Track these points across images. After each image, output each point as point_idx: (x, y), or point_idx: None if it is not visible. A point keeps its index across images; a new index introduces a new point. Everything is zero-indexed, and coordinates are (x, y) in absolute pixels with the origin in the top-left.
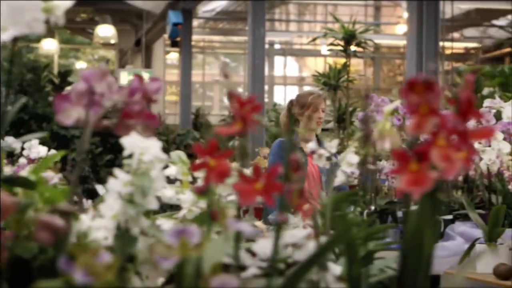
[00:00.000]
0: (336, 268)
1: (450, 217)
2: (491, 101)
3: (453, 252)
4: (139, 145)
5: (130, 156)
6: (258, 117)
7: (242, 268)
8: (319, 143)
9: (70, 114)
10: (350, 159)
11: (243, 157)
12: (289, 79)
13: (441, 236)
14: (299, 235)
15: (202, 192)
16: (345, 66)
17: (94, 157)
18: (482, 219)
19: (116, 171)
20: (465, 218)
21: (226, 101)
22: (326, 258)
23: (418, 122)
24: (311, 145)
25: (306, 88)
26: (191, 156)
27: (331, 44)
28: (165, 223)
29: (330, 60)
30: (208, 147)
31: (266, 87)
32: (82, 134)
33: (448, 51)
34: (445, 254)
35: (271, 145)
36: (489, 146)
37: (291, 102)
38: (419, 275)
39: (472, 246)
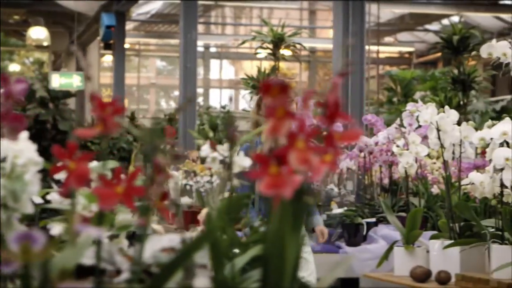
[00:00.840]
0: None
1: (373, 220)
2: (413, 104)
3: (375, 255)
4: (13, 148)
5: (4, 159)
6: (119, 120)
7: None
8: None
9: None
10: (242, 162)
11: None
12: (224, 82)
13: (364, 239)
14: (176, 239)
15: (66, 195)
16: (274, 69)
17: None
18: (403, 222)
19: None
20: (389, 221)
21: (162, 104)
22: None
23: (274, 125)
24: (205, 149)
25: (242, 92)
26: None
27: (260, 47)
28: (55, 228)
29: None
30: (67, 150)
31: (201, 90)
32: None
33: (382, 55)
34: (367, 257)
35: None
36: (407, 149)
37: (260, 98)
38: (283, 280)
39: (390, 249)
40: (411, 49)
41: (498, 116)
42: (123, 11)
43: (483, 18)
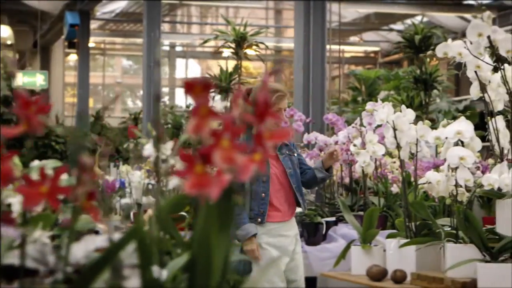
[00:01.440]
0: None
1: (333, 219)
2: (372, 103)
3: (334, 254)
4: None
5: None
6: (43, 118)
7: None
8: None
9: None
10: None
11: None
12: None
13: (324, 238)
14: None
15: None
16: (237, 68)
17: None
18: (362, 220)
19: None
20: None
21: (128, 102)
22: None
23: (197, 123)
24: (148, 148)
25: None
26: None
27: (223, 46)
28: None
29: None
30: None
31: (166, 89)
32: None
33: (347, 55)
34: (326, 256)
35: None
36: (364, 148)
37: (248, 92)
38: (210, 282)
39: (347, 248)
40: (376, 48)
41: (461, 115)
42: (87, 9)
43: (447, 18)
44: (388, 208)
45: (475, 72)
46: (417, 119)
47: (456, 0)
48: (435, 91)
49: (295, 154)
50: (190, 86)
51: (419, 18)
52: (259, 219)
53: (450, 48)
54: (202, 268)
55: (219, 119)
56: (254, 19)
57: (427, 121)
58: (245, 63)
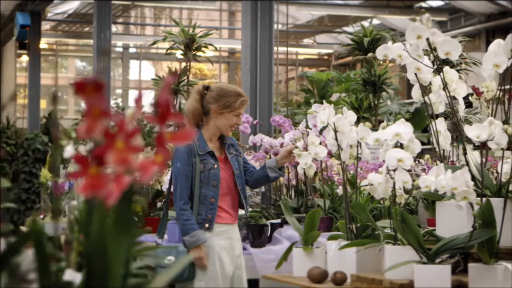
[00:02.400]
0: None
1: (278, 221)
2: (317, 105)
3: (279, 256)
4: None
5: None
6: None
7: None
8: (223, 144)
9: None
10: None
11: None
12: (144, 83)
13: (269, 240)
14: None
15: None
16: (185, 70)
17: None
18: None
19: None
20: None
21: (81, 104)
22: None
23: (89, 125)
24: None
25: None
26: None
27: (171, 48)
28: None
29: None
30: None
31: (120, 91)
32: None
33: (301, 57)
34: (271, 258)
35: None
36: (306, 150)
37: (206, 88)
38: (108, 282)
39: (289, 250)
40: (330, 50)
41: (411, 117)
42: (38, 10)
43: (399, 21)
44: (334, 210)
45: (415, 74)
46: (367, 121)
47: (407, 3)
48: (385, 93)
49: (242, 155)
50: (81, 87)
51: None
52: (207, 225)
53: (390, 51)
54: (98, 269)
55: (112, 120)
56: (209, 21)
57: (367, 123)
58: (199, 65)
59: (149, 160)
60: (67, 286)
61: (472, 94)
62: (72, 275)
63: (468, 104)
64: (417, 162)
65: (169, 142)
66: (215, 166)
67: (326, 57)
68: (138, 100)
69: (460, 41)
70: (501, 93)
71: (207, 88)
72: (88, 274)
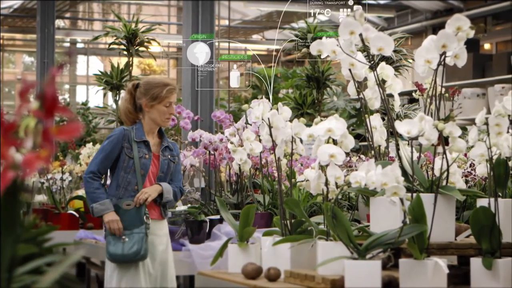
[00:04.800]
0: None
1: (217, 217)
2: (255, 101)
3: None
4: None
5: None
6: None
7: None
8: (162, 137)
9: None
10: None
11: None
12: (92, 79)
13: (208, 236)
14: None
15: None
16: (128, 65)
17: None
18: None
19: None
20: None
21: (31, 99)
22: None
23: None
24: None
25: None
26: None
27: (113, 43)
28: None
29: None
30: None
31: (67, 86)
32: None
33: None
34: (209, 254)
35: None
36: (241, 146)
37: (135, 86)
38: None
39: (224, 246)
40: (278, 47)
41: (357, 113)
42: None
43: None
44: (273, 206)
45: (350, 70)
46: (310, 117)
47: (355, 0)
48: (330, 89)
49: (176, 163)
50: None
51: (320, 17)
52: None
53: (324, 46)
54: None
55: None
56: (157, 17)
57: (302, 119)
58: (148, 61)
59: (34, 155)
60: None
61: (415, 91)
62: None
63: (412, 100)
64: (358, 157)
65: (56, 137)
66: (147, 156)
67: (275, 53)
68: (23, 93)
69: (401, 38)
70: (444, 90)
71: (136, 85)
72: None
